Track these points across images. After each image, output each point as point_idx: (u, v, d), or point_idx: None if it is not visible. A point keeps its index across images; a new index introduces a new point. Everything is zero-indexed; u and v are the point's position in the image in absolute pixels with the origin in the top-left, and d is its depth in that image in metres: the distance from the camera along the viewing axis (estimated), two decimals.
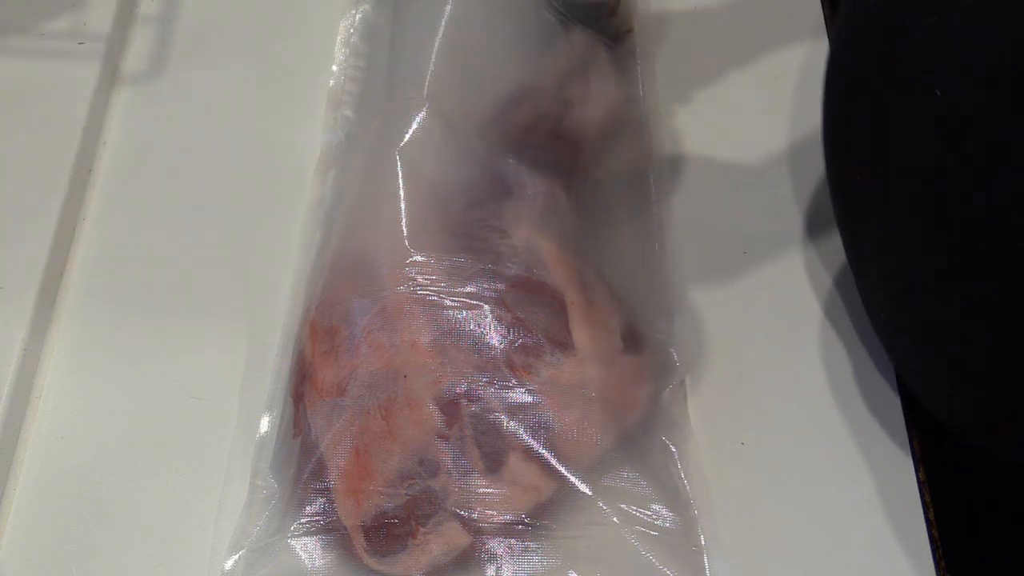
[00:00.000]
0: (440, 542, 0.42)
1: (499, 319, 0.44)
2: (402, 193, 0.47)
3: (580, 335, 0.45)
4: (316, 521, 0.43)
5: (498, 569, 0.42)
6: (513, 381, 0.43)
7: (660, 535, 0.43)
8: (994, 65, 0.35)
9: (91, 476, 0.47)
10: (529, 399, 0.43)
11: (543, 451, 0.43)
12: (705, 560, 0.43)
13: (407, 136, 0.48)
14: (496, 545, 0.42)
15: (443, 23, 0.50)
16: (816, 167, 0.54)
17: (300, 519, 0.43)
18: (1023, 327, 0.37)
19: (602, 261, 0.48)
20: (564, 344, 0.44)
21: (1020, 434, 0.41)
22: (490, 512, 0.42)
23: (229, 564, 0.43)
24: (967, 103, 0.36)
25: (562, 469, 0.43)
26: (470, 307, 0.44)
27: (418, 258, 0.45)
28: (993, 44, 0.35)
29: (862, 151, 0.42)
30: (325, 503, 0.43)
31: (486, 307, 0.44)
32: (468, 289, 0.45)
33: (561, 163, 0.50)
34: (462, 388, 0.43)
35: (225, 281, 0.52)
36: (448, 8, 0.50)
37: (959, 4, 0.36)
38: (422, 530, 0.42)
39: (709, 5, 0.60)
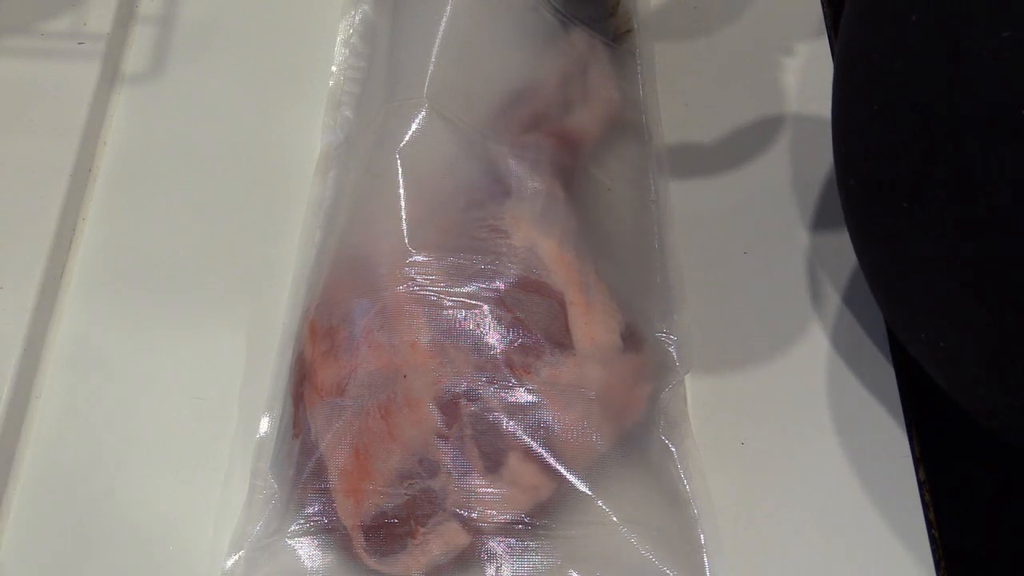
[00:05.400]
0: (440, 542, 0.42)
1: (499, 319, 0.44)
2: (402, 193, 0.47)
3: (580, 335, 0.45)
4: (316, 521, 0.43)
5: (498, 569, 0.42)
6: (513, 381, 0.43)
7: (660, 534, 0.43)
8: None
9: (91, 476, 0.47)
10: (529, 399, 0.43)
11: (543, 451, 0.43)
12: (705, 560, 0.43)
13: (407, 136, 0.48)
14: (496, 545, 0.42)
15: (443, 23, 0.50)
16: (816, 166, 0.54)
17: (300, 519, 0.43)
18: None
19: (602, 261, 0.48)
20: (564, 344, 0.44)
21: None
22: (490, 512, 0.42)
23: (229, 564, 0.43)
24: None
25: (562, 469, 0.43)
26: (470, 307, 0.44)
27: (418, 258, 0.45)
28: None
29: (909, 183, 0.38)
30: (325, 503, 0.43)
31: (486, 307, 0.44)
32: (468, 289, 0.45)
33: (561, 163, 0.50)
34: (462, 388, 0.43)
35: (225, 281, 0.52)
36: (448, 8, 0.50)
37: None
38: (422, 530, 0.42)
39: (709, 5, 0.60)
